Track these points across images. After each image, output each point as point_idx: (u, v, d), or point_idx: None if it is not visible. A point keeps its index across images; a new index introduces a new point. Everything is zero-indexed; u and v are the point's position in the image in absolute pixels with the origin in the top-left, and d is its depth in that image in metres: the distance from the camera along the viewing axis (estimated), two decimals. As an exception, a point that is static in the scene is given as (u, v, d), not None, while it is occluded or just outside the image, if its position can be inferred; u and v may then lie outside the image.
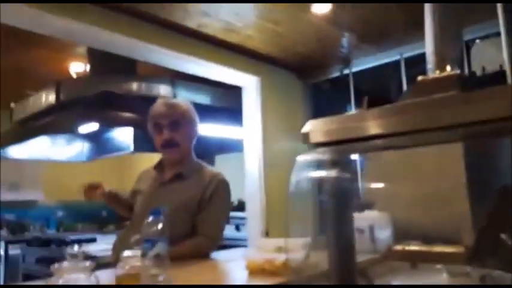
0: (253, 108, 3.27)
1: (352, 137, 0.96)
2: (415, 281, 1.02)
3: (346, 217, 0.99)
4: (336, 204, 0.97)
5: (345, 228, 0.98)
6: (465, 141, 1.61)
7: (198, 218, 1.49)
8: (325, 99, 3.73)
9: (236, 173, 3.24)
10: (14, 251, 4.35)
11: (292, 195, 1.07)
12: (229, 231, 3.86)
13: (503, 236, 1.05)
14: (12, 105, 3.61)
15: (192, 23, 2.65)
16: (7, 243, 4.44)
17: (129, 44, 2.60)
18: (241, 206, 3.80)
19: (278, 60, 3.36)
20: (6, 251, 4.38)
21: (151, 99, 1.89)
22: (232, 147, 3.87)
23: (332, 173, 0.97)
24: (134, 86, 3.03)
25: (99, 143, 4.05)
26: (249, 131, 3.28)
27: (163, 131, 1.58)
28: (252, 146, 3.25)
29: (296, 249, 1.12)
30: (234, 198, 3.98)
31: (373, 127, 0.96)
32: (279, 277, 1.02)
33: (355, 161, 2.11)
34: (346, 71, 3.49)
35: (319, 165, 1.06)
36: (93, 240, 4.27)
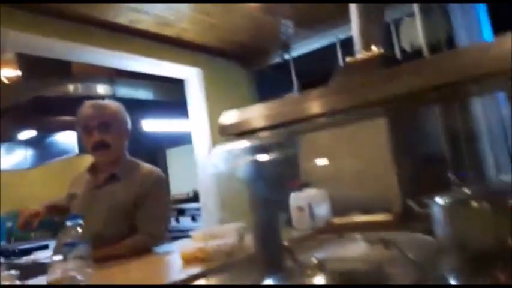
0: (197, 100, 3.28)
1: (286, 120, 0.98)
2: (335, 250, 1.10)
3: (269, 198, 1.04)
4: (257, 187, 1.02)
5: (268, 209, 1.03)
6: (389, 116, 1.72)
7: (137, 216, 1.50)
8: (270, 85, 3.79)
9: (190, 165, 3.26)
10: None
11: (223, 182, 1.10)
12: (185, 222, 3.89)
13: (410, 202, 1.14)
14: None
15: (123, 20, 2.60)
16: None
17: (61, 47, 2.52)
18: (196, 197, 3.83)
19: (218, 51, 3.37)
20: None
21: (89, 100, 1.86)
22: (183, 140, 3.87)
23: (247, 159, 1.02)
24: (70, 87, 2.95)
25: (42, 148, 3.92)
26: (196, 122, 3.29)
27: (93, 133, 1.56)
28: (200, 138, 3.26)
29: (230, 234, 1.17)
30: (189, 189, 4.00)
31: (304, 109, 0.98)
32: (212, 262, 1.06)
33: (295, 143, 2.19)
34: (286, 57, 3.56)
35: (251, 151, 1.10)
36: (45, 247, 4.15)
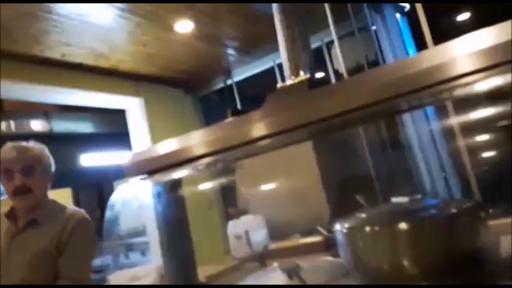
0: (140, 130, 3.24)
1: (227, 145, 0.94)
2: (253, 281, 1.10)
3: (180, 234, 1.03)
4: (166, 224, 1.01)
5: (179, 246, 1.02)
6: (314, 139, 1.77)
7: (59, 261, 1.44)
8: (215, 110, 3.81)
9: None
10: None
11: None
12: (135, 257, 3.76)
13: (318, 227, 1.17)
14: None
15: (54, 54, 2.55)
16: None
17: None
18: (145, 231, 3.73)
19: (159, 79, 3.37)
20: None
21: (24, 138, 1.78)
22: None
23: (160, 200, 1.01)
24: (3, 125, 2.83)
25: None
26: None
27: (14, 177, 1.49)
28: (145, 168, 3.20)
29: (149, 275, 1.15)
30: (138, 223, 3.89)
31: (230, 138, 0.97)
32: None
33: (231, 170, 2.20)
34: (229, 82, 3.60)
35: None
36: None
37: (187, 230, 1.06)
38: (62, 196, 4.90)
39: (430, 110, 2.58)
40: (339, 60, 2.99)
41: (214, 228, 3.02)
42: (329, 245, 1.63)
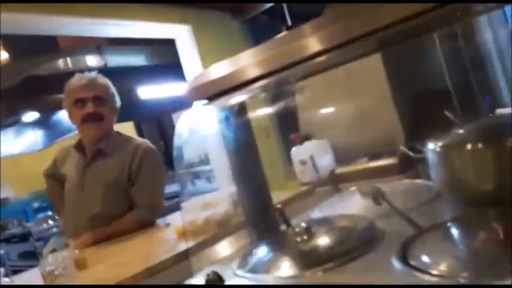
0: (191, 59, 3.16)
1: (282, 64, 0.85)
2: (328, 208, 1.05)
3: (251, 159, 0.98)
4: (236, 149, 0.95)
5: (252, 171, 0.97)
6: (383, 49, 1.59)
7: (132, 191, 1.48)
8: (266, 32, 3.62)
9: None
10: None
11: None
12: (201, 184, 3.90)
13: (403, 148, 1.06)
14: None
15: (98, -16, 2.45)
16: (-10, 244, 4.44)
17: (44, 22, 2.42)
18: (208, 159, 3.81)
19: (204, 4, 3.20)
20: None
21: (80, 73, 1.79)
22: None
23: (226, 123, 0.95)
24: (60, 63, 2.87)
25: (50, 128, 3.93)
26: (193, 82, 3.19)
27: (87, 105, 1.52)
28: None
29: (221, 202, 1.13)
30: (202, 151, 3.97)
31: (299, 48, 0.84)
32: (203, 235, 1.03)
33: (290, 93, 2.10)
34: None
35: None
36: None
37: (257, 154, 1.01)
38: (126, 129, 5.10)
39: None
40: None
41: (273, 154, 3.00)
42: (404, 168, 1.54)
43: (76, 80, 1.56)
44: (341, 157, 1.78)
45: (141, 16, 2.84)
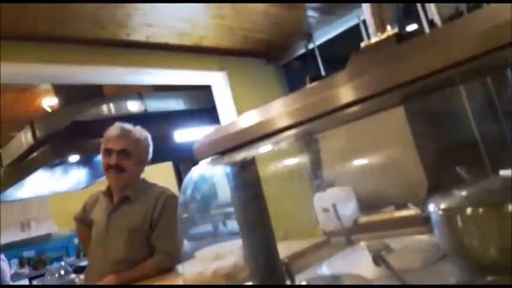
0: (226, 104, 3.28)
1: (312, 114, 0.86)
2: (333, 266, 1.03)
3: (257, 212, 0.99)
4: (240, 196, 0.97)
5: (257, 224, 0.99)
6: (406, 103, 1.59)
7: (153, 237, 1.53)
8: (298, 78, 3.70)
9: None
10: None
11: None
12: (232, 225, 3.91)
13: (459, 170, 1.02)
14: (0, 150, 3.72)
15: (139, 36, 2.66)
16: (30, 279, 4.63)
17: (89, 72, 2.64)
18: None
19: (240, 51, 3.34)
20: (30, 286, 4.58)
21: (122, 118, 1.92)
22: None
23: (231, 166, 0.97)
24: (104, 108, 3.08)
25: (93, 167, 4.14)
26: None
27: (112, 155, 1.62)
28: (233, 141, 3.25)
29: (232, 253, 1.15)
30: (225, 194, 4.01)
31: (310, 107, 0.87)
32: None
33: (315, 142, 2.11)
34: (311, 46, 3.45)
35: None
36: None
37: (264, 209, 1.02)
38: (165, 169, 5.30)
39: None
40: (431, 8, 2.66)
41: (305, 200, 2.98)
42: (426, 220, 1.49)
43: (111, 130, 1.66)
44: (366, 205, 1.75)
45: (179, 64, 3.01)
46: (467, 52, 0.57)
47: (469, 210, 0.73)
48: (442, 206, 0.79)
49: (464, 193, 0.83)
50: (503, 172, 0.79)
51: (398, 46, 0.83)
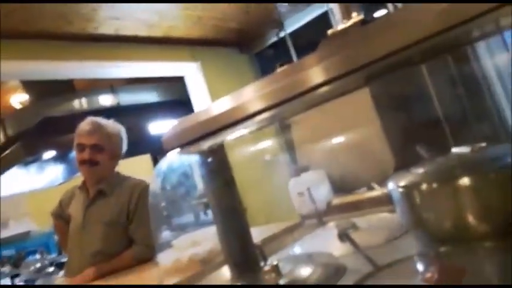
0: (200, 94, 3.28)
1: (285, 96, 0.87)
2: (308, 247, 1.08)
3: (229, 198, 1.02)
4: (210, 183, 1.00)
5: (230, 209, 1.02)
6: (371, 84, 1.64)
7: (130, 229, 1.55)
8: (271, 66, 3.72)
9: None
10: (20, 283, 4.48)
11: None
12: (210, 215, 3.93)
13: (418, 148, 1.07)
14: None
15: (107, 30, 2.62)
16: (12, 277, 4.56)
17: (58, 67, 2.60)
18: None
19: (213, 41, 3.34)
20: (12, 284, 4.51)
21: (95, 113, 1.91)
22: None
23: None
24: (76, 103, 3.03)
25: (69, 163, 4.09)
26: (202, 117, 3.29)
27: (85, 150, 1.62)
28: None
29: (207, 239, 1.18)
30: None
31: (300, 81, 0.87)
32: (188, 272, 1.08)
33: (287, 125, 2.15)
34: (282, 34, 3.47)
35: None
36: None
37: (236, 195, 1.05)
38: (143, 162, 5.27)
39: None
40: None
41: (283, 185, 3.03)
42: (390, 199, 1.55)
43: (82, 125, 1.66)
44: (340, 187, 1.81)
45: (150, 56, 2.99)
46: (427, 30, 0.60)
47: (424, 186, 0.79)
48: (401, 183, 0.84)
49: (421, 170, 0.88)
50: (454, 149, 0.84)
51: (363, 28, 0.87)
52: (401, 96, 1.76)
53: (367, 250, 0.86)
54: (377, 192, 1.62)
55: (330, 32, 1.15)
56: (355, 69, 0.71)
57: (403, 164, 1.56)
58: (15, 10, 2.09)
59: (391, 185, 0.87)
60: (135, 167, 2.73)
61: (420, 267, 0.79)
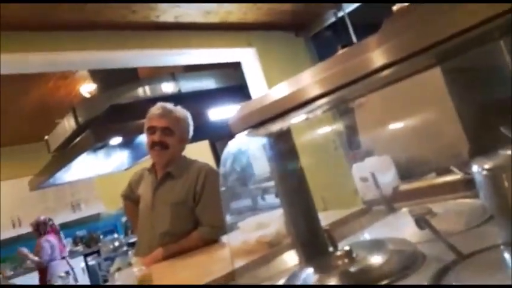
0: (256, 80, 3.28)
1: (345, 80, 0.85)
2: (380, 233, 1.04)
3: (297, 182, 1.01)
4: (278, 166, 0.99)
5: (298, 194, 1.01)
6: (442, 63, 1.54)
7: (197, 210, 1.59)
8: (330, 48, 3.62)
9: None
10: (92, 262, 4.84)
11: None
12: (270, 199, 3.96)
13: (503, 129, 1.00)
14: (46, 137, 3.91)
15: (168, 17, 2.68)
16: (85, 256, 4.95)
17: (123, 56, 2.71)
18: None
19: (267, 25, 3.30)
20: (86, 263, 4.89)
21: (158, 100, 1.98)
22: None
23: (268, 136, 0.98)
24: (140, 91, 3.15)
25: (134, 149, 4.29)
26: (260, 102, 3.29)
27: (156, 134, 1.68)
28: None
29: (273, 222, 1.18)
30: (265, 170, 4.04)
31: (362, 64, 0.84)
32: (255, 254, 1.08)
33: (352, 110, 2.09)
34: (340, 14, 3.35)
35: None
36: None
37: (303, 178, 1.03)
38: (202, 148, 5.41)
39: None
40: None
41: (343, 170, 2.97)
42: (470, 184, 1.45)
43: (153, 109, 1.73)
44: (407, 173, 1.73)
45: (208, 43, 3.03)
46: (502, 5, 0.55)
47: (515, 169, 0.72)
48: (487, 166, 0.78)
49: (509, 152, 0.81)
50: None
51: (430, 5, 0.80)
52: (476, 74, 1.63)
53: (447, 237, 0.81)
54: (449, 176, 1.53)
55: (395, 8, 1.08)
56: (422, 50, 0.66)
57: (479, 147, 1.46)
58: (82, 2, 2.19)
59: (475, 168, 0.81)
60: (194, 153, 2.80)
61: (507, 257, 0.73)
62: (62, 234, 4.64)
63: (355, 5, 3.26)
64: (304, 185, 1.02)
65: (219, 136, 4.87)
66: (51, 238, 4.46)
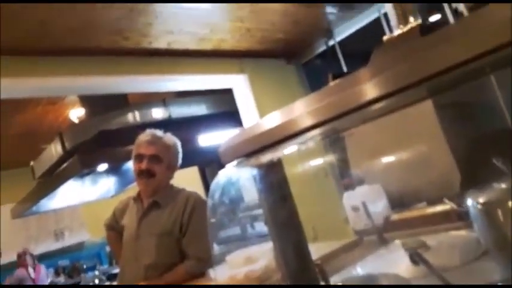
0: (248, 106, 3.28)
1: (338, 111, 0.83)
2: (372, 267, 1.00)
3: (285, 210, 0.98)
4: (268, 198, 0.96)
5: (287, 223, 0.97)
6: (434, 96, 1.54)
7: (184, 242, 1.54)
8: (320, 75, 3.66)
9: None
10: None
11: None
12: (259, 227, 3.89)
13: (495, 161, 0.98)
14: (32, 163, 3.83)
15: (161, 44, 2.69)
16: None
17: (112, 82, 2.70)
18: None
19: (260, 52, 3.34)
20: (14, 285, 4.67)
21: (147, 125, 1.95)
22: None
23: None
24: (130, 117, 3.12)
25: (121, 175, 4.21)
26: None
27: (143, 161, 1.64)
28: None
29: (263, 256, 1.14)
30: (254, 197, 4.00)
31: (334, 105, 0.84)
32: (244, 290, 1.04)
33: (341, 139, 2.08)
34: (331, 42, 3.41)
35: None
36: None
37: (293, 210, 1.00)
38: (191, 173, 5.35)
39: None
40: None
41: (334, 199, 2.95)
42: (462, 215, 1.43)
43: (142, 136, 1.70)
44: (398, 202, 1.71)
45: (200, 69, 3.04)
46: (495, 41, 0.54)
47: (510, 204, 0.70)
48: (481, 200, 0.76)
49: (503, 185, 0.79)
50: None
51: (422, 39, 0.80)
52: (468, 107, 1.64)
53: (442, 273, 0.78)
54: (441, 207, 1.51)
55: (385, 38, 1.08)
56: (412, 84, 0.65)
57: (470, 179, 1.45)
58: (74, 27, 2.19)
59: (469, 201, 0.79)
60: (182, 179, 2.76)
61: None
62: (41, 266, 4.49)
63: (346, 34, 3.32)
64: (295, 218, 0.99)
65: (208, 162, 4.83)
66: (21, 273, 4.32)
